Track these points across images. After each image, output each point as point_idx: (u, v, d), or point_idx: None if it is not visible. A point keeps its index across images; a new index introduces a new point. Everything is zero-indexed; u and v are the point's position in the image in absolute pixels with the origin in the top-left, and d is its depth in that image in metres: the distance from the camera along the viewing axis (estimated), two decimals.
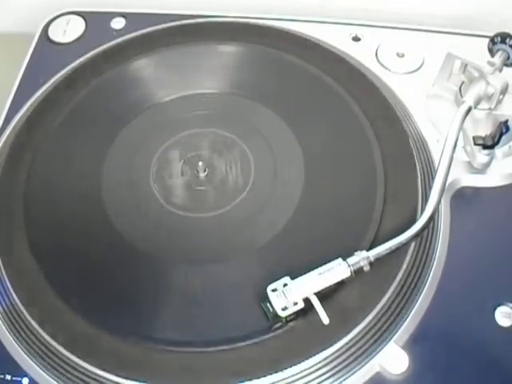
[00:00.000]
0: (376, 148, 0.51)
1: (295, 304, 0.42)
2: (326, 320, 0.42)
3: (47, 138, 0.54)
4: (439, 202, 0.46)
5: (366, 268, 0.43)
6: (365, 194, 0.50)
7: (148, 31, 0.63)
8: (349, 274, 0.43)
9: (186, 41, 0.60)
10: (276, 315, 0.43)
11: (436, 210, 0.46)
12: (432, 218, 0.45)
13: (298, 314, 0.43)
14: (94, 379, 0.43)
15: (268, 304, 0.43)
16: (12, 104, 0.59)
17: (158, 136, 0.56)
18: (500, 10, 0.66)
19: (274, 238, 0.49)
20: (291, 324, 0.43)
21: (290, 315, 0.43)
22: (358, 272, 0.43)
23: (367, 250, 0.44)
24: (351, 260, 0.44)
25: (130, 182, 0.54)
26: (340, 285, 0.44)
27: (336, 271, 0.43)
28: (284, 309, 0.42)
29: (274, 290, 0.43)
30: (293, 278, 0.44)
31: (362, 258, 0.44)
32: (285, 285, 0.43)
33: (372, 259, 0.44)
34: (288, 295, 0.43)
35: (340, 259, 0.44)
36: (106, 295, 0.47)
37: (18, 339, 0.46)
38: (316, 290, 0.43)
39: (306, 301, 0.43)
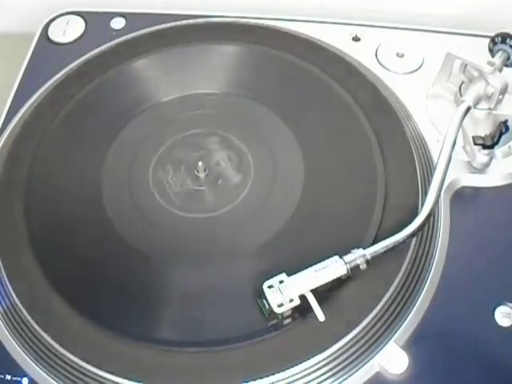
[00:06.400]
0: (376, 148, 0.51)
1: (291, 301, 0.43)
2: (321, 317, 0.42)
3: (47, 138, 0.54)
4: (437, 200, 0.46)
5: (363, 266, 0.44)
6: (365, 194, 0.50)
7: (148, 31, 0.62)
8: (345, 271, 0.43)
9: (186, 41, 0.60)
10: (272, 312, 0.43)
11: (434, 209, 0.46)
12: (430, 217, 0.45)
13: (294, 311, 0.43)
14: (94, 379, 0.43)
15: (264, 300, 0.43)
16: (12, 104, 0.59)
17: (158, 136, 0.56)
18: (500, 10, 0.66)
19: (274, 238, 0.49)
20: (289, 322, 0.44)
21: (285, 312, 0.43)
22: (354, 270, 0.44)
23: (364, 249, 0.44)
24: (348, 258, 0.44)
25: (130, 181, 0.54)
26: (340, 284, 0.44)
27: (332, 268, 0.44)
28: (280, 305, 0.43)
29: (270, 287, 0.43)
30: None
31: (358, 255, 0.44)
32: (281, 282, 0.43)
33: (369, 257, 0.44)
34: (284, 292, 0.43)
35: (337, 257, 0.44)
36: (106, 295, 0.47)
37: (18, 339, 0.46)
38: (312, 287, 0.43)
39: (304, 298, 0.43)
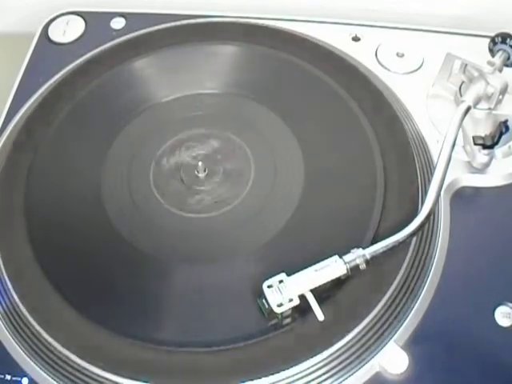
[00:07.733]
0: (376, 148, 0.51)
1: (291, 300, 0.43)
2: (320, 316, 0.42)
3: (47, 138, 0.54)
4: (437, 199, 0.46)
5: (362, 266, 0.44)
6: (364, 194, 0.50)
7: (148, 31, 0.62)
8: (345, 271, 0.43)
9: (186, 41, 0.60)
10: (271, 311, 0.43)
11: (434, 208, 0.46)
12: (430, 216, 0.45)
13: (294, 311, 0.43)
14: (94, 379, 0.43)
15: (264, 300, 0.43)
16: (12, 104, 0.59)
17: (158, 136, 0.56)
18: (500, 10, 0.66)
19: (274, 238, 0.49)
20: (289, 322, 0.44)
21: (285, 312, 0.43)
22: (354, 270, 0.44)
23: (364, 249, 0.44)
24: (347, 257, 0.44)
25: (130, 181, 0.54)
26: (340, 284, 0.44)
27: (332, 268, 0.44)
28: (279, 305, 0.42)
29: (269, 287, 0.43)
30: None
31: (358, 255, 0.44)
32: (280, 281, 0.43)
33: (368, 257, 0.44)
34: (283, 292, 0.43)
35: (336, 256, 0.44)
36: (107, 295, 0.47)
37: (18, 339, 0.46)
38: (312, 287, 0.43)
39: (304, 298, 0.43)
